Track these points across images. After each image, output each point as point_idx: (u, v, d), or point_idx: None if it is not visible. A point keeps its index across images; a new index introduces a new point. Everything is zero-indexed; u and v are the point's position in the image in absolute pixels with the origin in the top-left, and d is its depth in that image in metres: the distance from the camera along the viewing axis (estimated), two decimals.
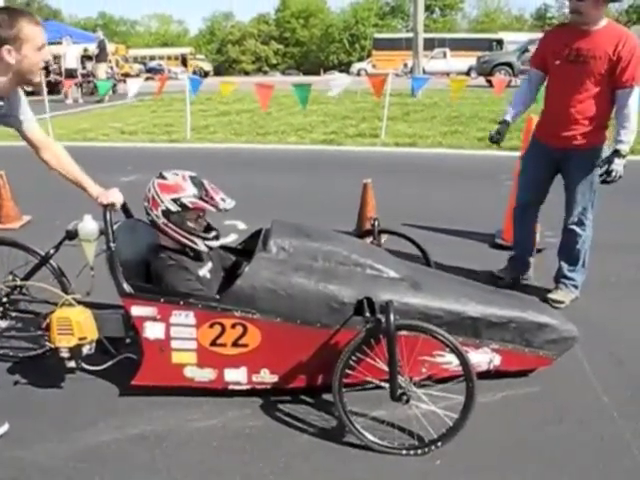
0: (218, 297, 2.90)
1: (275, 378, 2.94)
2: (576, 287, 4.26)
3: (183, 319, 2.85)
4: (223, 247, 3.32)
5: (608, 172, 3.76)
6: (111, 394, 3.07)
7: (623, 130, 3.77)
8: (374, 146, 10.48)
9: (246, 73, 63.50)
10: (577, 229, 4.14)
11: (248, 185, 7.39)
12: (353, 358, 2.66)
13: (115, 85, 18.94)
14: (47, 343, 2.97)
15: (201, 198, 2.98)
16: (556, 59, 3.92)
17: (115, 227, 3.03)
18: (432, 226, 5.78)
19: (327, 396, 2.98)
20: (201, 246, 3.05)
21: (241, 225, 3.88)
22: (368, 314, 2.70)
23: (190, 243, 3.04)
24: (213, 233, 3.11)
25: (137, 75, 28.45)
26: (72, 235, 3.17)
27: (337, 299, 2.85)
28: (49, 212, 6.23)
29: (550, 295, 4.24)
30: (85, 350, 2.92)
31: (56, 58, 21.61)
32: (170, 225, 2.99)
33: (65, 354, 2.90)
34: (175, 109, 15.85)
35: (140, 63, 43.30)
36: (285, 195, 6.94)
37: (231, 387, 2.97)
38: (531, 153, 4.30)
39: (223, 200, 3.01)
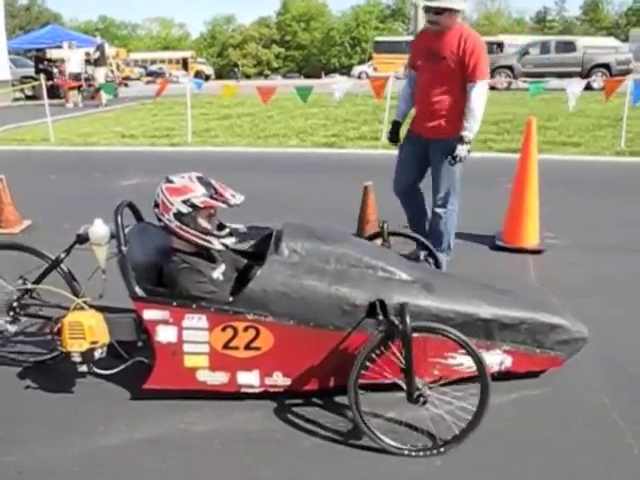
0: (230, 300, 2.89)
1: (288, 381, 2.93)
2: (439, 267, 4.53)
3: (195, 322, 2.85)
4: (235, 250, 3.32)
5: (454, 157, 4.26)
6: (121, 398, 3.05)
7: (466, 120, 4.25)
8: (375, 149, 10.47)
9: (247, 77, 63.56)
10: (440, 212, 4.53)
11: (249, 188, 7.30)
12: (367, 360, 2.65)
13: (116, 89, 18.96)
14: (59, 347, 2.96)
15: (211, 196, 2.98)
16: (418, 59, 4.44)
17: (126, 231, 3.02)
18: None
19: (338, 398, 2.99)
20: (216, 244, 3.05)
21: (242, 229, 3.91)
22: (381, 316, 2.70)
23: (205, 243, 3.03)
24: (226, 231, 3.11)
25: (138, 79, 28.49)
26: (83, 239, 3.16)
27: (349, 301, 2.84)
28: (49, 217, 6.23)
29: None
30: (97, 354, 2.91)
31: (56, 62, 21.70)
32: (184, 227, 2.99)
33: (77, 358, 2.89)
34: (176, 113, 15.84)
35: (141, 67, 43.38)
36: (286, 198, 6.94)
37: (244, 390, 2.95)
38: (406, 143, 4.65)
39: (233, 196, 3.02)
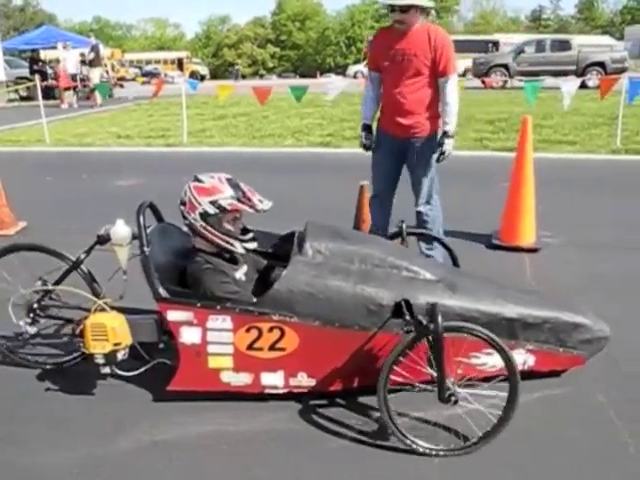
0: (255, 301, 2.88)
1: (312, 382, 2.93)
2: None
3: (220, 323, 2.84)
4: (255, 250, 3.30)
5: (442, 152, 4.30)
6: (143, 400, 3.04)
7: (446, 114, 4.31)
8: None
9: (243, 77, 63.55)
10: (427, 209, 4.52)
11: None
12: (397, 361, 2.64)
13: (111, 90, 18.92)
14: (82, 349, 2.95)
15: (238, 200, 2.97)
16: (385, 60, 4.35)
17: (147, 231, 3.01)
18: None
19: (362, 399, 3.00)
20: (239, 248, 3.04)
21: None
22: (408, 317, 2.69)
23: (228, 245, 3.02)
24: (250, 235, 3.10)
25: (133, 79, 28.47)
26: (103, 240, 3.14)
27: (375, 301, 2.84)
28: (45, 218, 6.22)
29: None
30: (120, 356, 2.90)
31: (50, 62, 21.68)
32: (208, 228, 2.97)
33: (100, 360, 2.89)
34: (172, 113, 15.84)
35: (136, 67, 43.32)
36: (282, 198, 6.88)
37: (268, 391, 2.95)
38: (379, 146, 4.58)
39: (260, 201, 3.01)
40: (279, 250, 3.40)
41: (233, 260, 3.14)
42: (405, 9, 4.11)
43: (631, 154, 9.57)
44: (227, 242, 3.01)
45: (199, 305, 2.84)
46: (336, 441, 2.74)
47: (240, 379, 2.92)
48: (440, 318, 2.52)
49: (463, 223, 5.66)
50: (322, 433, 2.80)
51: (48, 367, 3.33)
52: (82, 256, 3.25)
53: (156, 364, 3.01)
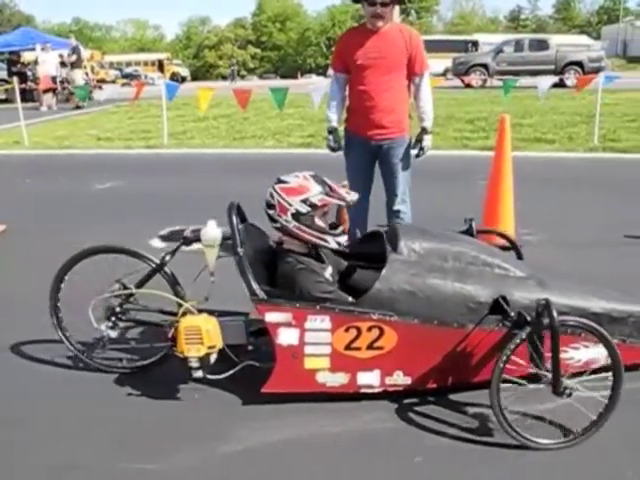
0: (352, 300, 2.89)
1: (408, 380, 2.92)
2: None
3: (318, 324, 2.83)
4: (334, 251, 3.27)
5: (421, 148, 4.34)
6: (233, 403, 3.00)
7: (423, 110, 4.36)
8: None
9: (224, 78, 63.35)
10: (403, 208, 4.52)
11: (227, 190, 7.32)
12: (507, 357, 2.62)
13: (91, 91, 18.78)
14: (176, 353, 2.91)
15: (327, 194, 2.96)
16: (357, 59, 4.23)
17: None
18: None
19: (453, 396, 3.01)
20: (332, 243, 3.03)
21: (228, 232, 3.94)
22: (512, 313, 2.74)
23: (322, 242, 3.01)
24: (340, 229, 3.09)
25: (113, 81, 28.27)
26: (189, 241, 3.10)
27: (474, 299, 2.88)
28: (24, 221, 6.15)
29: None
30: (212, 359, 2.88)
31: (29, 64, 21.48)
32: (302, 227, 2.96)
33: (195, 364, 2.85)
34: (152, 115, 15.75)
35: (116, 69, 43.07)
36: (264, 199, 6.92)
37: (363, 390, 2.92)
38: (351, 148, 4.54)
39: (348, 193, 2.99)
40: (356, 250, 3.40)
41: (320, 260, 3.13)
42: (386, 3, 4.07)
43: (608, 152, 9.69)
44: (321, 239, 3.00)
45: (298, 306, 2.82)
46: (435, 439, 2.72)
47: (336, 379, 2.90)
48: (555, 314, 2.54)
49: (443, 221, 5.68)
50: (422, 432, 2.77)
51: (125, 371, 3.27)
52: (167, 258, 3.18)
53: (244, 366, 2.97)
